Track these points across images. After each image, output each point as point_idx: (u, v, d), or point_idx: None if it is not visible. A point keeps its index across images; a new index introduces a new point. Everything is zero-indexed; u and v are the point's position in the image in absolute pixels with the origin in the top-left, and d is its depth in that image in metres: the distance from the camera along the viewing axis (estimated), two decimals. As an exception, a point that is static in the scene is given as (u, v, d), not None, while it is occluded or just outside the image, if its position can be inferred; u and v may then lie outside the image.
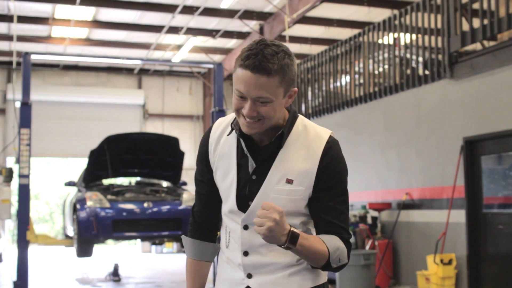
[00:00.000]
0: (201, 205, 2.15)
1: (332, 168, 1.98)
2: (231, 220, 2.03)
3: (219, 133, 2.06)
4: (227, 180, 2.01)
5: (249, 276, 2.00)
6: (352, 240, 8.91)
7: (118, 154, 9.86)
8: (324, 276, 2.07)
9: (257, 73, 1.82)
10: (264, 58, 1.81)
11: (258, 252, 1.98)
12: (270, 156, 1.97)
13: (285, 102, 1.93)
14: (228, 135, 2.03)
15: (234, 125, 1.99)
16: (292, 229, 1.81)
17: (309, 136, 1.99)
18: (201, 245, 2.15)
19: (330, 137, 2.01)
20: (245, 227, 1.98)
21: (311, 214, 2.00)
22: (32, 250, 12.56)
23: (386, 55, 9.34)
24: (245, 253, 2.00)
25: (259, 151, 1.98)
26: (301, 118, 2.03)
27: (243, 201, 1.98)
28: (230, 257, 2.05)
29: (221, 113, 8.32)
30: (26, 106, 7.85)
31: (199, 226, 2.17)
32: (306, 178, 1.95)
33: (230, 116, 2.07)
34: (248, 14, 12.95)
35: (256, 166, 1.97)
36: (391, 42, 9.20)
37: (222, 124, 2.07)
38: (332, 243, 1.92)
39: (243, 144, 1.98)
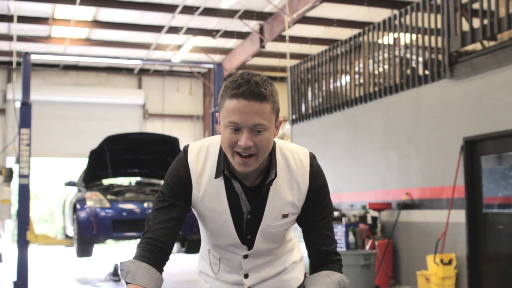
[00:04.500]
0: (167, 228, 1.96)
1: (319, 191, 2.03)
2: (227, 251, 2.09)
3: (199, 172, 1.98)
4: (219, 220, 2.02)
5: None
6: (351, 240, 8.94)
7: (118, 154, 9.86)
8: (303, 269, 2.27)
9: (252, 99, 1.80)
10: (256, 84, 1.81)
11: (257, 271, 2.12)
12: (261, 196, 1.98)
13: (274, 132, 1.92)
14: (215, 178, 1.97)
15: (226, 170, 1.94)
16: None
17: (291, 167, 2.00)
18: (156, 275, 1.92)
19: (310, 159, 2.03)
20: (245, 256, 2.08)
21: (304, 238, 2.09)
22: (32, 250, 12.56)
23: (386, 55, 9.33)
24: (246, 276, 2.13)
25: (251, 192, 1.98)
26: (278, 147, 2.01)
27: (241, 236, 2.04)
28: (221, 277, 2.17)
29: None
30: (26, 106, 7.85)
31: (160, 250, 1.95)
32: (298, 207, 2.03)
33: (202, 152, 2.00)
34: (248, 14, 12.95)
35: (251, 208, 1.99)
36: (391, 42, 9.20)
37: (199, 162, 1.99)
38: (333, 283, 2.01)
39: (237, 186, 1.96)
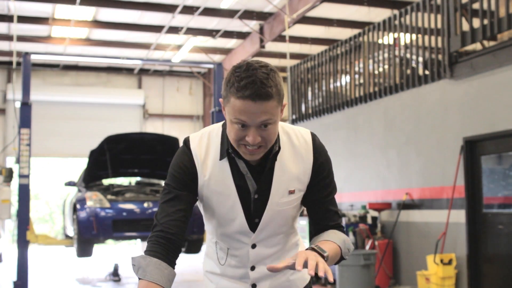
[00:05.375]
0: (176, 219, 1.95)
1: (323, 167, 2.05)
2: (235, 241, 2.07)
3: (203, 157, 1.98)
4: (227, 203, 2.00)
5: (254, 285, 2.12)
6: (351, 240, 8.94)
7: (118, 154, 9.86)
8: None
9: (258, 100, 1.79)
10: (262, 84, 1.80)
11: (264, 264, 2.09)
12: (267, 172, 1.98)
13: (279, 118, 1.93)
14: (220, 159, 1.97)
15: (231, 149, 1.94)
16: (326, 254, 1.86)
17: (294, 142, 2.02)
18: (167, 270, 1.91)
19: (312, 135, 2.06)
20: (253, 246, 2.06)
21: (310, 216, 2.10)
22: (32, 250, 12.56)
23: (386, 55, 9.33)
24: (252, 268, 2.10)
25: (256, 170, 1.98)
26: (280, 125, 2.02)
27: (250, 220, 2.02)
28: (227, 272, 2.13)
29: (221, 113, 8.32)
30: (26, 106, 7.85)
31: (170, 242, 1.94)
32: (304, 182, 2.03)
33: (204, 138, 2.01)
34: (248, 14, 12.95)
35: (258, 186, 1.99)
36: (391, 42, 9.20)
37: (202, 148, 2.00)
38: (338, 238, 2.02)
39: (242, 166, 1.97)
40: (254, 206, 2.01)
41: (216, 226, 2.08)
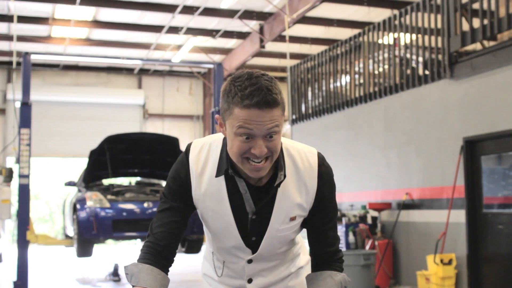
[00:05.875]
0: (168, 231, 1.94)
1: (326, 195, 1.98)
2: (230, 255, 2.04)
3: (200, 171, 1.92)
4: (221, 221, 1.96)
5: None
6: (351, 240, 8.94)
7: (118, 154, 9.87)
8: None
9: (265, 108, 1.73)
10: (268, 91, 1.73)
11: (261, 276, 2.07)
12: (268, 198, 1.92)
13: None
14: (216, 176, 1.90)
15: (231, 169, 1.87)
16: None
17: (299, 167, 1.94)
18: (160, 275, 1.91)
19: (319, 159, 1.97)
20: (249, 261, 2.03)
21: (309, 239, 2.06)
22: (32, 250, 12.55)
23: (386, 55, 9.33)
24: (249, 280, 2.07)
25: (255, 191, 1.92)
26: (285, 147, 1.95)
27: (246, 238, 1.98)
28: (224, 281, 2.12)
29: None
30: (26, 106, 7.85)
31: (161, 254, 1.94)
32: (305, 209, 1.97)
33: (204, 149, 1.95)
34: (248, 14, 12.95)
35: (256, 209, 1.93)
36: (391, 42, 9.20)
37: (200, 161, 1.93)
38: (335, 284, 1.98)
39: (242, 185, 1.90)
40: (251, 226, 1.95)
41: (213, 239, 2.05)
